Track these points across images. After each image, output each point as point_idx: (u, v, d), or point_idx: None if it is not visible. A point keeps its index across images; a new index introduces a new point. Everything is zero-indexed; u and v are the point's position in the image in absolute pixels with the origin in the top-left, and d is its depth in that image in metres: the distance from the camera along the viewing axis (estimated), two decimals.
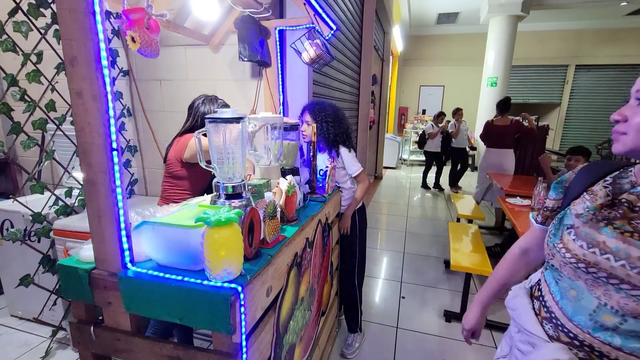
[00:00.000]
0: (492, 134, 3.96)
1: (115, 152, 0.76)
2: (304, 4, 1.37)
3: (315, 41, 1.41)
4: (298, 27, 1.69)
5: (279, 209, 1.06)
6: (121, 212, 0.79)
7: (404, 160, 9.01)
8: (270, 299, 0.92)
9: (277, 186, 1.17)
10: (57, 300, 1.91)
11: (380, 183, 6.61)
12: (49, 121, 1.74)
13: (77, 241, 1.77)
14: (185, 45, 1.99)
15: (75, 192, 1.93)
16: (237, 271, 0.77)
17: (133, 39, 0.64)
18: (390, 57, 7.40)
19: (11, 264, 2.07)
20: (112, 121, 0.75)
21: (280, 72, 1.83)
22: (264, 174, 1.26)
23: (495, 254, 3.30)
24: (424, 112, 10.07)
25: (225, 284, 0.73)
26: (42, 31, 1.66)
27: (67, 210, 1.87)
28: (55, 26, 1.68)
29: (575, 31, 8.69)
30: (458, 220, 3.36)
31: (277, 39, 1.75)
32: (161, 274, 0.78)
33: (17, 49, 1.59)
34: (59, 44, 1.70)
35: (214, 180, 0.99)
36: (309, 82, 1.93)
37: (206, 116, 0.95)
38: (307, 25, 1.65)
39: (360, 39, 4.10)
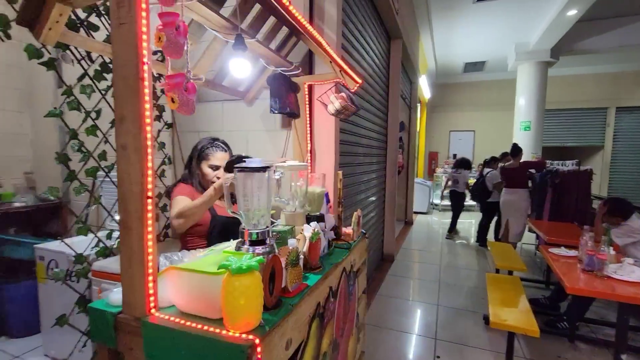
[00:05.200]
0: (506, 177, 4.56)
1: (150, 200, 0.82)
2: (330, 62, 1.47)
3: (340, 94, 1.50)
4: (326, 82, 1.81)
5: (302, 257, 1.06)
6: (150, 257, 0.82)
7: (436, 205, 8.75)
8: (289, 353, 0.88)
9: (301, 233, 1.18)
10: (87, 342, 1.95)
11: (410, 229, 6.40)
12: (99, 169, 1.92)
13: (112, 283, 1.84)
14: (223, 100, 2.18)
15: (116, 234, 2.05)
16: (256, 321, 0.76)
17: (172, 100, 0.72)
18: (418, 104, 7.56)
19: (51, 303, 2.17)
20: (149, 172, 0.82)
21: (308, 122, 1.93)
22: (289, 220, 1.28)
23: (542, 308, 2.99)
24: (454, 156, 9.93)
25: (243, 335, 0.72)
26: (103, 92, 1.90)
27: (106, 252, 1.98)
28: None
29: (612, 74, 8.48)
30: (497, 271, 3.11)
31: (306, 93, 1.87)
32: (181, 321, 0.78)
33: (81, 107, 1.82)
34: None
35: (240, 227, 1.03)
36: (336, 131, 2.01)
37: (235, 165, 1.01)
38: (334, 80, 1.76)
39: (387, 89, 4.26)
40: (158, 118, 2.29)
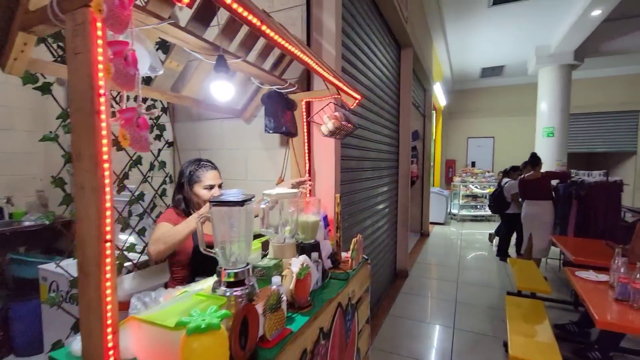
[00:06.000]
0: (527, 189, 4.23)
1: (109, 244, 0.75)
2: (324, 82, 1.39)
3: (334, 114, 1.41)
4: (323, 99, 1.72)
5: (284, 298, 0.96)
6: (109, 306, 0.75)
7: (454, 215, 8.43)
8: None
9: (288, 268, 1.08)
10: None
11: (426, 241, 6.16)
12: None
13: None
14: (222, 118, 2.13)
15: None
16: None
17: (124, 137, 0.65)
18: (433, 112, 7.36)
19: (53, 324, 2.15)
20: (107, 213, 0.75)
21: (307, 140, 1.84)
22: (277, 252, 1.19)
23: (570, 335, 2.74)
24: (473, 164, 9.60)
25: None
26: None
27: None
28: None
29: None
30: (519, 292, 2.89)
31: (304, 110, 1.79)
32: None
33: None
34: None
35: (217, 267, 0.94)
36: (337, 149, 1.91)
37: (210, 199, 0.93)
38: (331, 97, 1.67)
39: (398, 99, 4.14)
40: (159, 137, 2.27)
